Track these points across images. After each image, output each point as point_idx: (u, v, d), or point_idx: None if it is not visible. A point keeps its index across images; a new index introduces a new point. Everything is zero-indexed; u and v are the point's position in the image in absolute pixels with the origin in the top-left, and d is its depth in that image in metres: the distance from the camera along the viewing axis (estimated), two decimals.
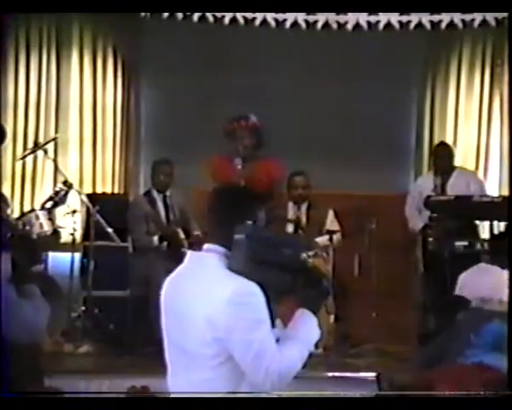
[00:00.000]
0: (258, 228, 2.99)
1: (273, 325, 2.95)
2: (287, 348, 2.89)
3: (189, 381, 2.95)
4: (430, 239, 7.25)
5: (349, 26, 7.89)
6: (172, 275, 3.11)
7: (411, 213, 7.62)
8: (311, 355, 2.98)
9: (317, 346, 3.00)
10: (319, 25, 7.92)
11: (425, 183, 7.67)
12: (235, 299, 2.84)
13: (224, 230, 2.95)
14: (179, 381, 3.00)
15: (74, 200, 7.13)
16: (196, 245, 3.08)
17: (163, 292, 3.09)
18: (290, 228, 7.12)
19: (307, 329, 2.96)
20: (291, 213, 7.21)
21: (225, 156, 6.49)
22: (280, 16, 7.89)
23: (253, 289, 2.87)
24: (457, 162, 8.27)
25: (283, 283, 2.94)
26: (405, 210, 7.65)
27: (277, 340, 2.91)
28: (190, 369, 2.95)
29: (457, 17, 7.82)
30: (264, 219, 3.07)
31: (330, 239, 6.91)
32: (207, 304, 2.87)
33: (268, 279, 2.90)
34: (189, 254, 3.09)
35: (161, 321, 3.08)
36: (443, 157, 7.65)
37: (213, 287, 2.89)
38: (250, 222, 2.97)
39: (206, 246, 3.03)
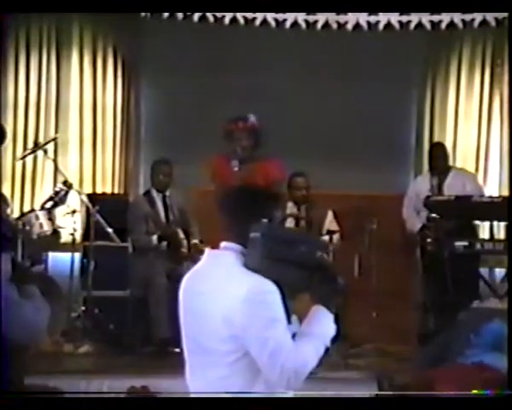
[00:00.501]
0: (273, 226, 3.02)
1: (289, 321, 2.96)
2: (302, 345, 2.91)
3: (207, 378, 2.98)
4: (429, 240, 7.25)
5: (349, 26, 7.88)
6: (190, 273, 3.14)
7: (409, 214, 7.62)
8: (327, 351, 2.98)
9: (332, 342, 3.00)
10: (319, 25, 7.90)
11: (422, 183, 7.68)
12: (252, 297, 2.87)
13: (240, 228, 2.98)
14: (197, 379, 3.03)
15: (74, 200, 7.12)
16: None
17: (181, 289, 3.12)
18: (291, 224, 7.12)
19: (323, 325, 2.97)
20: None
21: (225, 157, 6.47)
22: (280, 16, 7.87)
23: (269, 287, 2.89)
24: (457, 162, 8.29)
25: (299, 280, 2.97)
26: (403, 211, 7.65)
27: (293, 336, 2.93)
28: (207, 366, 2.97)
29: (457, 17, 7.80)
30: (279, 217, 3.12)
31: (330, 239, 6.91)
32: (224, 301, 2.90)
33: (284, 277, 2.93)
34: (207, 251, 3.12)
35: (179, 318, 3.11)
36: (438, 158, 7.66)
37: (230, 285, 2.92)
38: (266, 220, 2.99)
39: (223, 244, 3.06)
